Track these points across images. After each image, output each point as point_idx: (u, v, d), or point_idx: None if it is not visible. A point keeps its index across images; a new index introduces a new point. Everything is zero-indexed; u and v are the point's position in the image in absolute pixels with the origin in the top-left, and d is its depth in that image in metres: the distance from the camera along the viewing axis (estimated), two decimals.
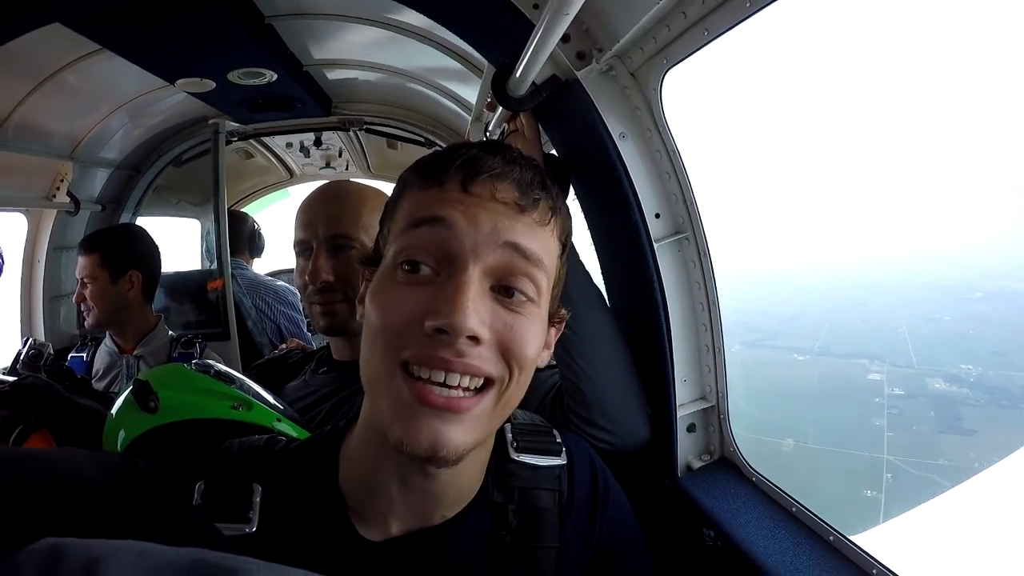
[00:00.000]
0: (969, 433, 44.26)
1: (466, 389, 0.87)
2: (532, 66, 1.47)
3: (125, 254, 3.05)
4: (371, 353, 0.90)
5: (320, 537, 1.00)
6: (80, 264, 2.98)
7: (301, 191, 6.03)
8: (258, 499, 1.00)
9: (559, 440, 1.17)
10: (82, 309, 3.02)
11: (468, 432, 0.89)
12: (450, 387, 0.86)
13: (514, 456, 1.11)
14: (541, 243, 0.94)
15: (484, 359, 0.88)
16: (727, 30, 1.35)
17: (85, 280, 2.97)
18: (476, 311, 0.85)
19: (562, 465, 1.14)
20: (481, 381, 0.89)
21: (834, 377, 53.28)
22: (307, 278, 1.75)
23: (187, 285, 4.28)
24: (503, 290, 0.90)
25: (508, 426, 1.14)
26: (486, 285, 0.89)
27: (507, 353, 0.90)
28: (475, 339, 0.86)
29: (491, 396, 0.90)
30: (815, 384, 52.50)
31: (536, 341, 0.93)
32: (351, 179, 5.16)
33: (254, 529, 0.97)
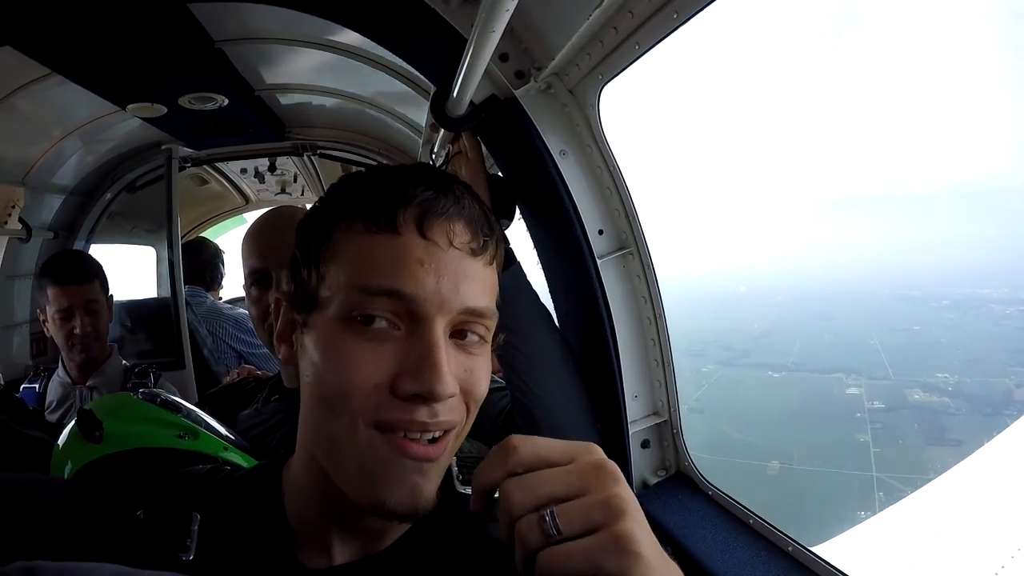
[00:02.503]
0: (955, 444, 43.66)
1: (433, 438, 0.88)
2: (468, 85, 1.49)
3: (107, 278, 3.08)
4: (330, 415, 0.88)
5: (259, 565, 0.98)
6: (79, 292, 2.91)
7: (256, 217, 5.93)
8: (196, 527, 0.99)
9: None
10: (78, 343, 2.94)
11: (436, 478, 0.91)
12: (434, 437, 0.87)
13: (460, 489, 1.11)
14: (490, 288, 0.94)
15: (452, 410, 0.88)
16: (657, 42, 1.40)
17: (92, 308, 2.93)
18: (449, 371, 0.85)
19: None
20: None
21: (813, 393, 53.10)
22: (272, 306, 1.73)
23: (141, 313, 4.23)
24: (458, 333, 0.90)
25: (454, 459, 1.13)
26: (447, 335, 0.88)
27: (467, 397, 0.90)
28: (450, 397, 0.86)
29: (452, 438, 0.91)
30: (794, 401, 52.35)
31: (488, 378, 0.94)
32: (295, 206, 5.17)
33: (191, 557, 0.96)
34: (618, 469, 0.70)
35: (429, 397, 0.83)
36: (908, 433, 45.35)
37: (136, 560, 0.83)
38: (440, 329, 0.86)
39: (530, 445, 0.70)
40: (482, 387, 0.92)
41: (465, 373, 0.89)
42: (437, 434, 0.88)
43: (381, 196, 0.90)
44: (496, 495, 0.72)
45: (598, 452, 0.72)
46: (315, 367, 0.90)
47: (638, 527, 0.66)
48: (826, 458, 40.96)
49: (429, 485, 0.88)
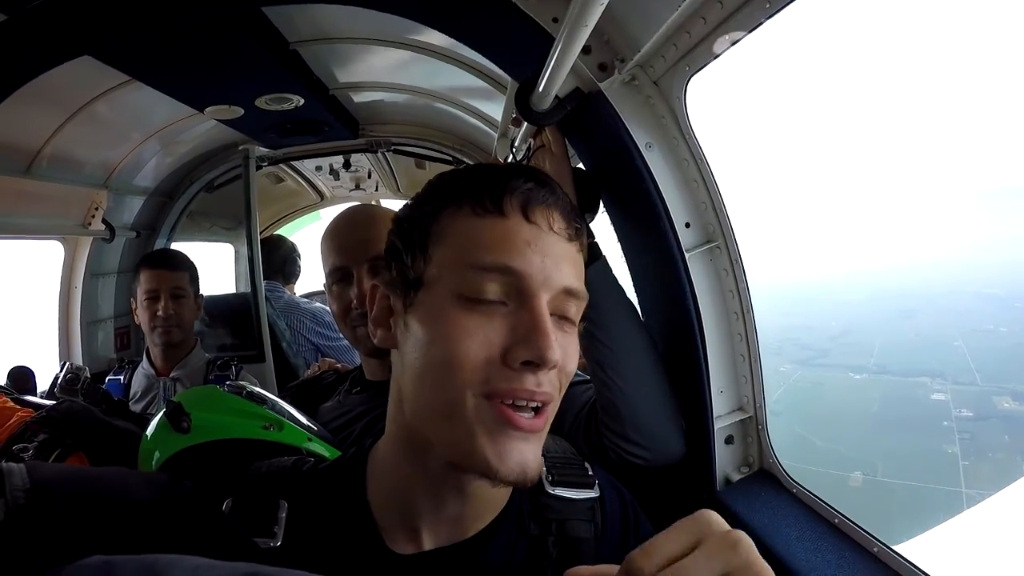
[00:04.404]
0: None
1: (534, 410, 0.94)
2: (554, 80, 1.51)
3: (198, 276, 3.33)
4: (438, 386, 0.93)
5: (348, 551, 1.03)
6: (167, 277, 3.17)
7: (331, 213, 6.08)
8: (283, 515, 1.04)
9: (591, 472, 1.21)
10: (160, 324, 3.15)
11: (539, 450, 0.96)
12: (535, 411, 0.93)
13: (549, 489, 1.14)
14: (581, 272, 1.02)
15: (551, 383, 0.95)
16: (748, 33, 1.39)
17: (177, 294, 3.16)
18: (556, 341, 0.92)
19: (595, 498, 1.17)
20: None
21: (896, 398, 50.78)
22: (354, 302, 1.82)
23: (222, 308, 4.42)
24: (554, 312, 0.96)
25: (543, 459, 1.16)
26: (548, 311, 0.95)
27: (560, 373, 0.96)
28: (554, 366, 0.93)
29: (550, 411, 0.97)
30: (876, 407, 50.23)
31: (577, 357, 1.01)
32: (370, 203, 5.29)
33: (278, 543, 1.01)
34: (745, 536, 0.71)
35: (540, 363, 0.90)
36: (999, 445, 42.59)
37: (222, 548, 0.88)
38: (545, 303, 0.93)
39: (650, 554, 0.71)
40: (573, 364, 0.99)
41: (561, 348, 0.94)
42: (537, 405, 0.93)
43: (487, 184, 0.97)
44: None
45: (716, 520, 0.73)
46: (422, 343, 0.95)
47: None
48: (912, 470, 38.85)
49: (535, 454, 0.94)
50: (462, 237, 0.96)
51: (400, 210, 1.10)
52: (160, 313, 3.12)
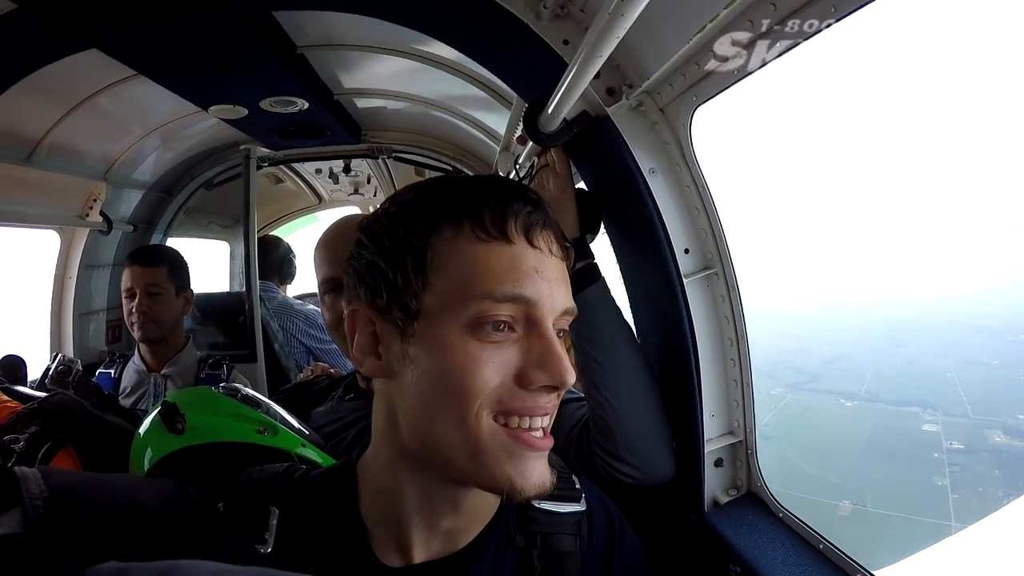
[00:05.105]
0: None
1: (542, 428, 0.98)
2: (564, 103, 1.55)
3: (185, 273, 3.30)
4: (456, 414, 0.93)
5: (338, 562, 1.05)
6: (141, 274, 3.14)
7: (329, 216, 6.24)
8: (274, 521, 1.06)
9: (578, 486, 1.23)
10: (136, 320, 3.14)
11: (547, 462, 1.00)
12: (543, 429, 0.98)
13: (535, 502, 1.15)
14: (570, 288, 1.04)
15: (558, 397, 0.99)
16: (757, 69, 1.43)
17: (151, 291, 3.13)
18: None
19: (581, 511, 1.19)
20: None
21: (887, 427, 50.50)
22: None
23: (215, 307, 4.44)
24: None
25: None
26: None
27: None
28: None
29: (550, 426, 1.00)
30: (867, 435, 49.97)
31: None
32: (368, 212, 5.36)
33: (268, 550, 1.02)
34: None
35: (561, 386, 0.95)
36: (989, 480, 42.51)
37: (214, 552, 0.90)
38: (552, 327, 0.96)
39: None
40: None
41: None
42: (547, 421, 0.98)
43: (486, 206, 0.97)
44: None
45: None
46: (431, 374, 0.95)
47: None
48: (901, 502, 38.49)
49: (547, 470, 0.98)
50: (468, 265, 0.94)
51: (372, 224, 1.05)
52: (133, 310, 3.13)
